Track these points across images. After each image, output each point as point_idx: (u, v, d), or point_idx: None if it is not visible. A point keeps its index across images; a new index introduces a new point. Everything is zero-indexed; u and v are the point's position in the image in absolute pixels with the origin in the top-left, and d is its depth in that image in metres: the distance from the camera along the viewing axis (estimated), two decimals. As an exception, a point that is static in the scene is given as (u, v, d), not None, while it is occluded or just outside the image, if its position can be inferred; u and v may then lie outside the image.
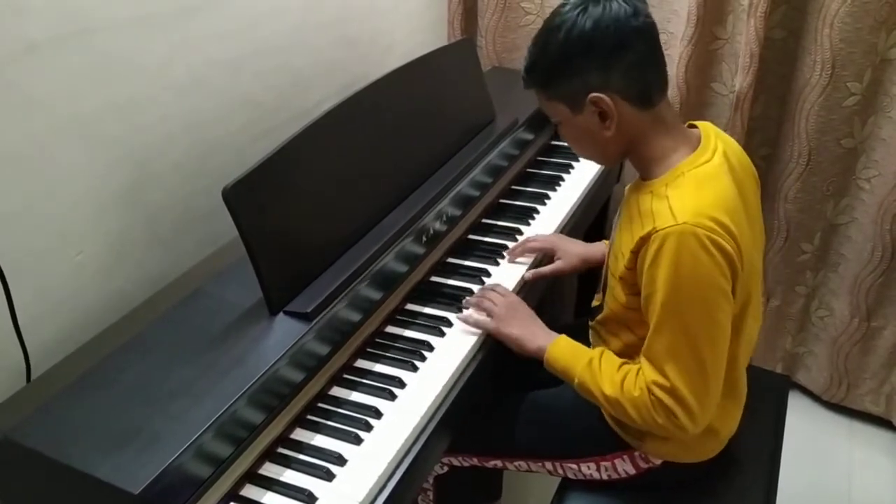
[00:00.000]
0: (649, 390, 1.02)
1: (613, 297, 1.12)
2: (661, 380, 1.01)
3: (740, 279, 1.01)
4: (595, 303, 1.25)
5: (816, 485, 1.88)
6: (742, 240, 1.00)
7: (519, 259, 1.41)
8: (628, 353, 1.12)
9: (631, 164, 1.12)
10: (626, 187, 1.17)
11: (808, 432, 2.00)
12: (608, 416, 1.18)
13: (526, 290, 1.37)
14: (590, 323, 1.27)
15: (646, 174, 1.09)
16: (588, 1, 1.01)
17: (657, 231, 0.98)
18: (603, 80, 1.01)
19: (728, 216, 0.98)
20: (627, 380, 1.06)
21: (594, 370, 1.09)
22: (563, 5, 1.04)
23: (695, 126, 1.12)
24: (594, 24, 0.99)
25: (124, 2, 1.13)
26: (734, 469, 1.24)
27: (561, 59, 1.03)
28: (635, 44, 1.00)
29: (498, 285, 1.30)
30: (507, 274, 1.37)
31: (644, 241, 1.00)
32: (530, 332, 1.20)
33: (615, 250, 1.12)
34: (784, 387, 1.47)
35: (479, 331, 1.22)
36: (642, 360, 1.05)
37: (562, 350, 1.15)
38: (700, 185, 1.00)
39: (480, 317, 1.23)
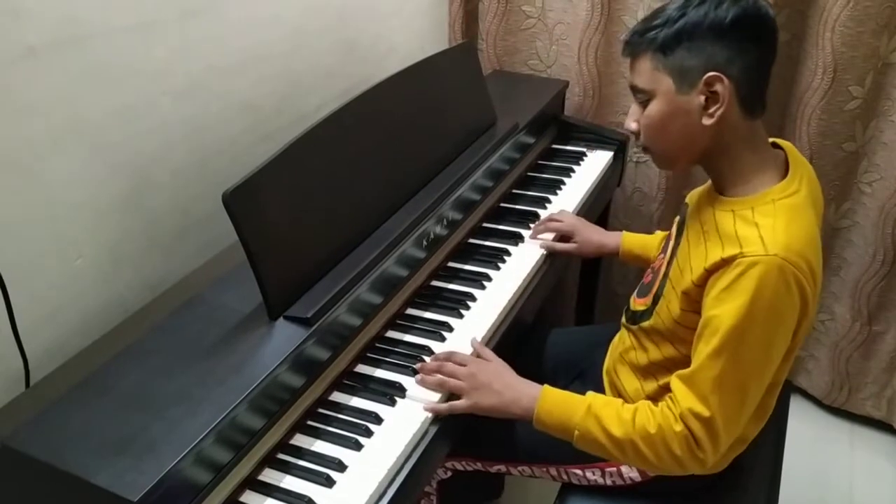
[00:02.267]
0: (682, 418, 0.99)
1: (667, 308, 1.08)
2: (699, 409, 0.98)
3: (807, 318, 0.99)
4: (640, 307, 1.19)
5: (818, 489, 1.87)
6: (818, 279, 0.98)
7: (521, 260, 1.41)
8: (661, 368, 1.10)
9: (710, 175, 1.09)
10: (694, 195, 1.13)
11: (809, 436, 1.99)
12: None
13: (531, 289, 1.37)
14: (626, 324, 1.23)
15: (725, 189, 1.05)
16: None
17: (745, 257, 0.94)
18: (727, 63, 0.97)
19: (814, 256, 0.97)
20: (639, 417, 1.02)
21: (596, 415, 1.04)
22: None
23: (778, 146, 1.08)
24: (742, 10, 0.96)
25: (123, 7, 1.13)
26: (737, 474, 1.23)
27: (697, 26, 0.98)
28: (767, 45, 0.99)
29: (453, 353, 1.15)
30: (508, 278, 1.37)
31: (726, 262, 0.96)
32: (509, 396, 1.10)
33: (681, 262, 1.07)
34: (785, 393, 1.47)
35: (479, 335, 1.22)
36: (678, 385, 1.01)
37: (552, 404, 1.08)
38: (791, 219, 0.97)
39: (446, 405, 1.09)
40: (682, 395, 1.00)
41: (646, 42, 1.02)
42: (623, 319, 1.26)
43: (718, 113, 0.99)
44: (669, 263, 1.12)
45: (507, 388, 1.11)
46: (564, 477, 1.25)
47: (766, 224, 0.96)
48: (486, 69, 1.99)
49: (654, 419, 1.01)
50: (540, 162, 1.79)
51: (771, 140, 1.08)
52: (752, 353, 0.96)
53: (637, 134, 1.08)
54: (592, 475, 1.21)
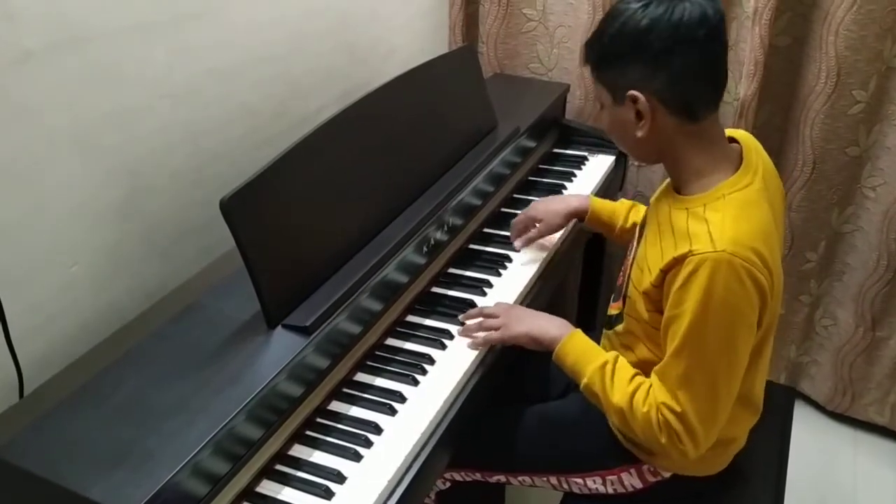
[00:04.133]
0: (658, 410, 1.01)
1: (635, 309, 1.09)
2: (671, 403, 1.00)
3: (768, 310, 0.99)
4: (613, 311, 1.21)
5: (821, 495, 1.86)
6: (775, 268, 0.98)
7: (522, 265, 1.40)
8: (642, 369, 1.10)
9: (668, 173, 1.09)
10: (655, 195, 1.14)
11: (812, 442, 1.98)
12: (618, 431, 1.16)
13: (533, 293, 1.37)
14: (605, 331, 1.24)
15: (680, 188, 1.06)
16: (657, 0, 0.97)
17: (693, 254, 0.95)
18: (646, 80, 0.98)
19: (766, 246, 0.96)
20: (638, 394, 1.04)
21: (606, 375, 1.07)
22: None
23: (734, 140, 1.08)
24: (650, 23, 0.95)
25: (120, 10, 1.12)
26: (741, 481, 1.22)
27: (611, 47, 1.00)
28: (688, 53, 0.96)
29: (486, 306, 1.27)
30: (510, 284, 1.35)
31: (678, 261, 0.97)
32: (538, 325, 1.18)
33: (640, 262, 1.08)
34: (790, 400, 1.46)
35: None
36: (654, 380, 1.04)
37: (575, 345, 1.14)
38: (741, 212, 0.97)
39: (483, 335, 1.20)
40: (657, 389, 1.02)
41: (586, 57, 1.06)
42: (604, 325, 1.26)
43: (646, 126, 1.01)
44: (632, 265, 1.13)
45: (539, 317, 1.21)
46: (565, 486, 1.24)
47: (715, 219, 0.97)
48: (487, 72, 1.97)
49: (647, 402, 1.03)
50: (541, 166, 1.78)
51: (728, 133, 1.08)
52: (714, 349, 0.97)
53: None
54: (593, 483, 1.21)
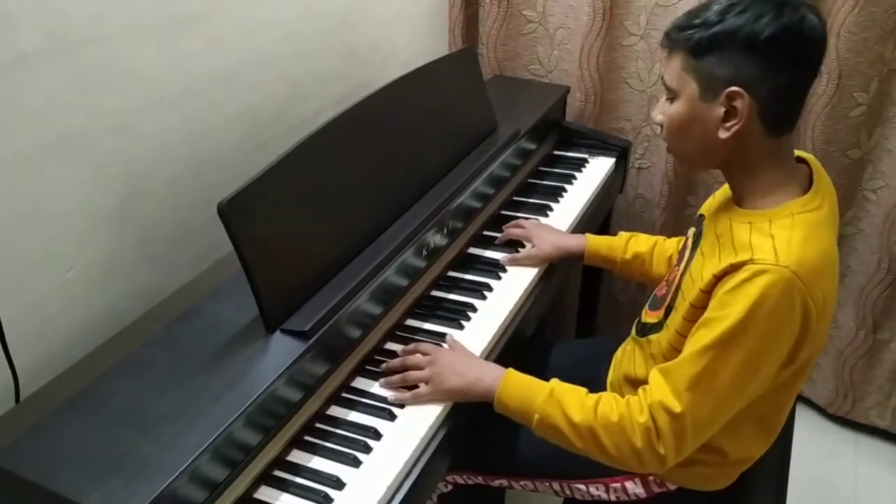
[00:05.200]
0: (650, 408, 0.98)
1: (677, 321, 1.05)
2: (671, 403, 0.97)
3: (809, 342, 0.96)
4: (650, 319, 1.17)
5: (823, 499, 1.86)
6: (829, 304, 0.96)
7: (522, 268, 1.40)
8: None
9: (729, 184, 1.07)
10: (711, 206, 1.11)
11: (813, 445, 1.97)
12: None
13: (533, 297, 1.36)
14: (637, 337, 1.20)
15: (744, 201, 1.03)
16: (788, 4, 0.92)
17: (754, 263, 0.92)
18: (755, 81, 0.94)
19: (828, 278, 0.94)
20: (602, 405, 1.01)
21: (557, 400, 1.03)
22: None
23: (803, 160, 1.05)
24: (782, 27, 0.91)
25: (117, 12, 1.11)
26: (743, 485, 1.21)
27: (731, 35, 0.93)
28: (806, 65, 0.94)
29: (418, 345, 1.16)
30: (510, 287, 1.35)
31: (734, 268, 0.94)
32: (471, 375, 1.09)
33: (693, 274, 1.04)
34: (792, 407, 1.44)
35: (480, 346, 1.20)
36: (656, 377, 1.00)
37: (513, 386, 1.07)
38: (810, 234, 0.94)
39: (409, 393, 1.10)
40: (657, 387, 0.99)
41: (681, 40, 0.98)
42: (633, 331, 1.23)
43: (735, 129, 0.96)
44: (683, 275, 1.09)
45: (470, 369, 1.10)
46: (567, 492, 1.23)
47: (782, 236, 0.94)
48: (487, 74, 1.97)
49: (618, 408, 1.00)
50: (541, 168, 1.77)
51: (796, 153, 1.05)
52: (738, 360, 0.94)
53: (661, 126, 1.06)
54: (596, 490, 1.20)
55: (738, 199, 1.04)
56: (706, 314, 0.96)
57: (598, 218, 1.76)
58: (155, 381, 0.96)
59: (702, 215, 1.14)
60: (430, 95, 1.46)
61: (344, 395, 1.11)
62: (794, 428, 1.38)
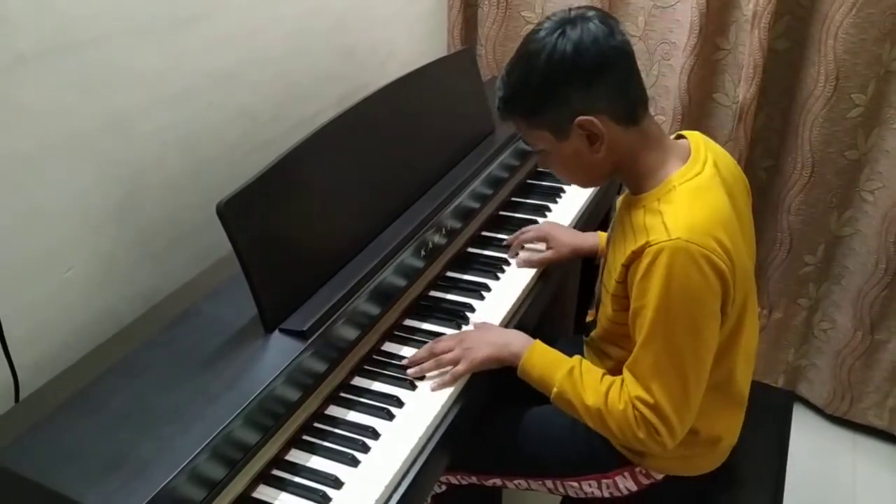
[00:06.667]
0: (633, 405, 1.02)
1: (605, 312, 1.11)
2: (645, 396, 1.01)
3: (732, 295, 1.00)
4: (589, 318, 1.23)
5: (820, 499, 1.86)
6: (736, 254, 0.99)
7: (523, 268, 1.40)
8: (616, 372, 1.10)
9: (622, 181, 1.11)
10: (618, 202, 1.15)
11: (810, 445, 1.98)
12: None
13: (532, 296, 1.36)
14: (584, 339, 1.25)
15: (636, 189, 1.07)
16: (564, 24, 0.99)
17: (650, 245, 0.97)
18: (588, 102, 1.00)
19: (723, 231, 0.97)
20: (612, 392, 1.05)
21: (575, 379, 1.08)
22: (537, 31, 1.02)
23: (682, 136, 1.10)
24: (574, 46, 0.97)
25: (116, 13, 1.11)
26: (738, 485, 1.22)
27: (544, 85, 1.00)
28: (616, 63, 0.99)
29: (439, 339, 1.17)
30: (508, 287, 1.35)
31: (636, 254, 0.99)
32: (500, 340, 1.15)
33: (609, 266, 1.10)
34: (788, 403, 1.45)
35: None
36: (626, 374, 1.04)
37: (538, 357, 1.12)
38: (693, 199, 0.99)
39: (448, 376, 1.12)
40: (629, 383, 1.03)
41: (511, 112, 1.06)
42: (584, 336, 1.27)
43: (604, 146, 1.02)
44: (603, 270, 1.15)
45: (498, 335, 1.16)
46: (561, 490, 1.24)
47: (668, 210, 0.99)
48: (486, 75, 1.97)
49: (622, 398, 1.03)
50: (539, 169, 1.77)
51: (678, 133, 1.11)
52: (681, 336, 0.98)
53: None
54: (589, 487, 1.21)
55: (633, 190, 1.09)
56: (633, 304, 1.01)
57: (595, 219, 1.76)
58: (154, 380, 0.96)
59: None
60: (429, 96, 1.46)
61: (342, 394, 1.11)
62: (790, 426, 1.38)
